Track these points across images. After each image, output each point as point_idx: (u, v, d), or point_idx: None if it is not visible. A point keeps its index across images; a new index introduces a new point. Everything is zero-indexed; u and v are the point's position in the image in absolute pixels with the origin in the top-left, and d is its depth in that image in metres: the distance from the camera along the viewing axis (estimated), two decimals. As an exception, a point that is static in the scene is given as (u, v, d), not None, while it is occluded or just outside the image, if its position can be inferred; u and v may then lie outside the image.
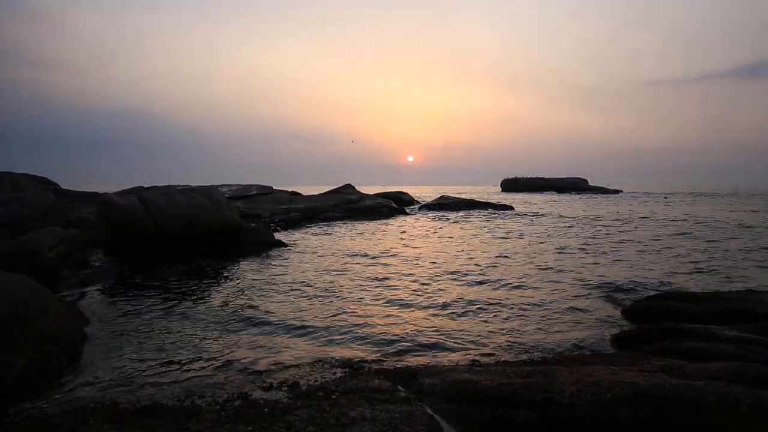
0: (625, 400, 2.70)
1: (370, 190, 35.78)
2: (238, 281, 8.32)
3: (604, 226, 19.24)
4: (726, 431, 2.32)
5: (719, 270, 9.32)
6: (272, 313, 6.25)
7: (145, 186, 21.30)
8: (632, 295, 7.19)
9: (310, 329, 5.52)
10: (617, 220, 21.95)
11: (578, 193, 60.32)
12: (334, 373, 3.78)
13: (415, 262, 10.57)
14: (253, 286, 7.86)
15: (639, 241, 13.95)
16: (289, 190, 29.68)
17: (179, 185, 12.77)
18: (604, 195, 57.51)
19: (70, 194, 18.04)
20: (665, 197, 47.82)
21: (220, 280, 8.50)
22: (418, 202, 30.41)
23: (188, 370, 4.26)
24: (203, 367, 4.33)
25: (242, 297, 7.17)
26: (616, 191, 64.47)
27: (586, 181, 69.50)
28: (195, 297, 7.18)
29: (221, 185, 24.98)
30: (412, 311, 6.40)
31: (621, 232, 16.92)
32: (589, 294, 7.37)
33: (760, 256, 10.92)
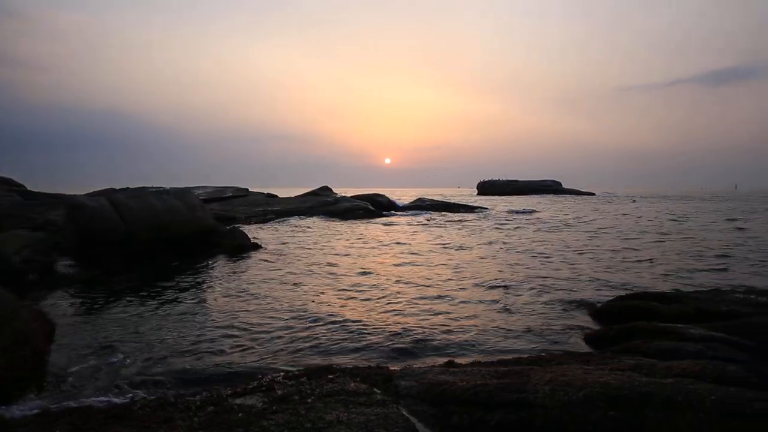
0: (596, 399, 2.75)
1: (348, 192, 35.71)
2: (211, 285, 8.20)
3: (575, 227, 19.61)
4: (692, 427, 2.39)
5: (682, 271, 9.59)
6: (245, 316, 6.17)
7: (117, 188, 20.80)
8: (605, 294, 7.33)
9: (285, 333, 5.47)
10: (589, 221, 22.41)
11: (553, 195, 61.40)
12: (310, 377, 3.75)
13: (391, 263, 10.58)
14: (226, 290, 7.76)
15: (608, 242, 14.27)
16: (266, 192, 29.41)
17: (152, 187, 12.50)
18: (578, 197, 58.71)
19: (38, 196, 17.47)
20: (633, 200, 49.15)
21: (193, 283, 8.36)
22: (395, 204, 30.46)
23: (155, 375, 4.17)
24: (172, 372, 4.24)
25: (214, 300, 7.07)
26: (590, 193, 65.89)
27: (560, 183, 70.83)
28: (165, 301, 7.04)
29: (196, 187, 24.62)
30: (388, 314, 6.40)
31: (591, 233, 17.27)
32: (563, 294, 7.49)
33: (715, 260, 11.29)
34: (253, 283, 8.23)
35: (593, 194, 65.44)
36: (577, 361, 4.14)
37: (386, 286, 8.16)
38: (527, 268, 9.98)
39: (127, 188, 13.07)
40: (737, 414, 2.41)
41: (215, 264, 10.33)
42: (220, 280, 8.63)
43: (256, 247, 12.33)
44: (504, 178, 71.56)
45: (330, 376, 3.74)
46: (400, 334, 5.47)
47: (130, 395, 3.79)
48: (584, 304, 6.87)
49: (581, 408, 2.73)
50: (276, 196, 28.34)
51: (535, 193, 64.38)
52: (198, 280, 8.72)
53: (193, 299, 7.19)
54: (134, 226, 10.39)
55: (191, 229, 11.44)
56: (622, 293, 7.08)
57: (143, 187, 12.22)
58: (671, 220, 23.00)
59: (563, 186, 70.34)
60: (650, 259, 10.95)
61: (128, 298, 7.17)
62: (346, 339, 5.28)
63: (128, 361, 4.58)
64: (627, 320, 5.69)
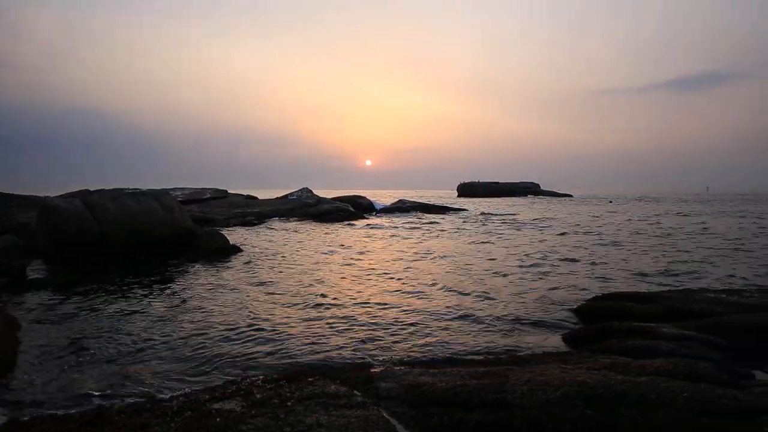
0: (573, 398, 2.79)
1: (329, 193, 35.59)
2: (188, 288, 8.08)
3: (552, 228, 19.90)
4: (666, 424, 2.45)
5: (654, 272, 9.80)
6: (223, 319, 6.10)
7: (92, 189, 20.33)
8: (582, 295, 7.45)
9: (264, 336, 5.42)
10: (567, 223, 22.76)
11: (531, 197, 62.22)
12: (290, 381, 3.72)
13: (372, 266, 10.58)
14: (204, 293, 7.65)
15: (587, 242, 14.51)
16: (245, 194, 29.11)
17: (128, 188, 12.26)
18: (556, 198, 59.61)
19: (9, 198, 16.97)
20: (610, 201, 50.15)
21: (169, 286, 8.22)
22: (375, 206, 30.48)
23: (131, 380, 4.09)
24: (148, 377, 4.17)
25: (191, 303, 6.97)
26: (567, 195, 66.96)
27: (538, 185, 71.84)
28: (141, 305, 6.91)
29: (174, 189, 24.24)
30: (370, 316, 6.39)
31: (568, 234, 17.55)
32: (541, 294, 7.59)
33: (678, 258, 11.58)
34: (227, 287, 8.12)
35: (571, 196, 66.52)
36: (555, 360, 4.19)
37: (363, 292, 8.16)
38: (504, 268, 10.08)
39: (103, 190, 12.79)
40: (708, 411, 2.47)
41: (191, 267, 10.17)
42: (194, 283, 8.49)
43: (235, 249, 12.20)
44: (484, 180, 72.25)
45: (310, 379, 3.72)
46: (380, 336, 5.48)
47: (103, 401, 3.70)
48: (562, 304, 6.97)
49: (559, 407, 2.77)
50: (256, 198, 28.07)
51: (514, 195, 65.16)
52: (172, 283, 8.57)
53: (165, 302, 7.06)
54: (109, 228, 10.19)
55: (168, 231, 11.26)
56: (598, 293, 7.21)
57: (119, 189, 11.96)
58: (646, 221, 23.52)
59: (542, 188, 71.36)
60: (624, 259, 11.18)
61: (100, 302, 7.01)
62: (327, 341, 5.26)
63: (99, 365, 4.48)
64: (603, 320, 5.80)
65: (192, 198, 23.65)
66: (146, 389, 3.94)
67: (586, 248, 13.47)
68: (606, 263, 10.75)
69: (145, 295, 7.50)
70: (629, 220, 24.46)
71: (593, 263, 10.75)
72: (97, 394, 3.84)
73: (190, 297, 7.39)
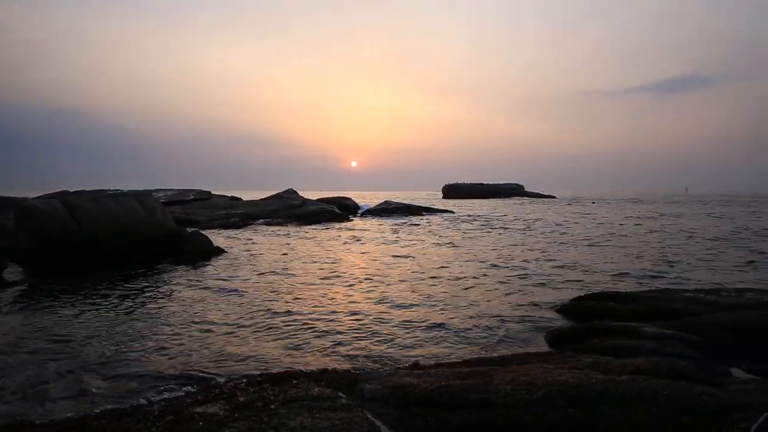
0: (556, 397, 2.82)
1: (314, 195, 35.46)
2: (169, 291, 7.97)
3: (536, 228, 20.09)
4: (646, 421, 2.48)
5: (636, 270, 9.95)
6: (206, 322, 6.03)
7: (72, 190, 19.97)
8: (564, 294, 7.53)
9: (248, 339, 5.37)
10: (551, 223, 22.99)
11: (515, 198, 62.75)
12: (273, 383, 3.69)
13: (358, 268, 10.56)
14: (186, 295, 7.56)
15: (571, 242, 14.68)
16: (229, 195, 28.84)
17: (110, 190, 12.07)
18: (539, 200, 60.21)
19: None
20: (593, 202, 50.83)
21: (150, 289, 8.11)
22: (361, 208, 30.45)
23: (112, 385, 4.02)
24: (129, 382, 4.10)
25: (173, 306, 6.89)
26: (550, 196, 67.67)
27: (522, 187, 72.47)
28: (120, 308, 6.81)
29: (156, 190, 23.92)
30: (353, 317, 6.37)
31: (552, 234, 17.73)
32: (524, 295, 7.65)
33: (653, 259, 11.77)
34: (207, 291, 8.00)
35: (554, 197, 67.22)
36: (538, 360, 4.23)
37: (350, 288, 8.15)
38: (488, 269, 10.15)
39: (83, 191, 12.55)
40: (688, 409, 2.51)
41: (173, 269, 10.05)
42: (175, 285, 8.38)
43: (218, 251, 12.08)
44: (469, 182, 72.60)
45: (294, 381, 3.69)
46: (364, 337, 5.47)
47: (81, 405, 3.63)
48: (545, 304, 7.04)
49: (541, 407, 2.79)
50: (240, 199, 27.83)
51: (498, 197, 65.62)
52: (152, 285, 8.46)
53: (143, 305, 6.97)
54: (90, 229, 10.01)
55: (151, 233, 11.11)
56: (581, 293, 7.29)
57: (100, 190, 11.77)
58: (632, 221, 23.87)
59: (525, 189, 71.99)
60: (611, 261, 11.33)
61: (77, 305, 6.88)
62: (311, 343, 5.24)
63: (76, 370, 4.39)
64: (586, 319, 5.87)
65: (175, 199, 23.37)
66: (123, 395, 3.87)
67: (568, 250, 13.62)
68: (586, 264, 10.89)
69: (122, 297, 7.39)
70: (609, 222, 24.80)
71: (575, 264, 10.88)
72: (70, 397, 3.77)
73: (174, 298, 7.29)
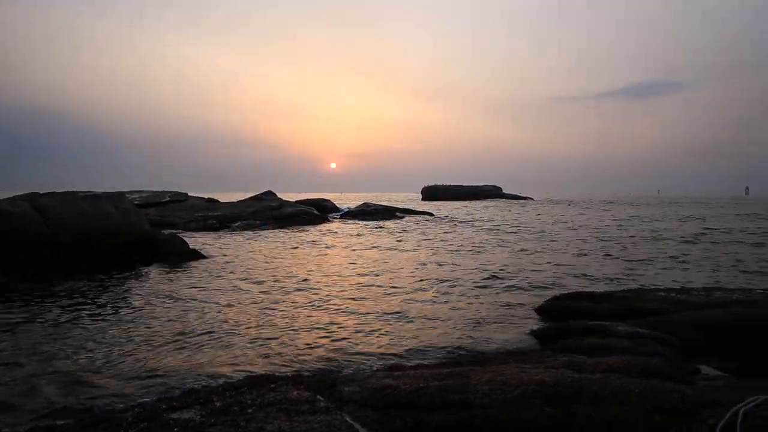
0: (532, 396, 2.86)
1: (293, 197, 35.23)
2: (143, 294, 7.81)
3: (511, 230, 20.34)
4: (619, 420, 2.54)
5: (613, 272, 10.17)
6: (180, 327, 5.93)
7: (42, 192, 19.38)
8: (540, 294, 7.64)
9: (224, 343, 5.31)
10: (525, 225, 23.31)
11: (493, 200, 63.40)
12: (251, 387, 3.65)
13: (339, 272, 10.54)
14: (161, 300, 7.41)
15: (544, 244, 14.91)
16: (206, 197, 28.45)
17: (82, 191, 11.76)
18: (517, 201, 60.97)
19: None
20: (569, 204, 51.78)
21: (123, 294, 7.93)
22: (340, 210, 30.36)
23: (83, 392, 3.93)
24: (101, 388, 4.01)
25: (146, 310, 6.75)
26: (528, 198, 68.58)
27: (500, 188, 73.22)
28: (90, 313, 6.64)
29: (130, 192, 23.44)
30: (332, 321, 6.35)
31: (529, 236, 17.98)
32: (502, 296, 7.74)
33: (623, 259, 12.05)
34: (181, 295, 7.83)
35: (532, 199, 68.14)
36: (516, 360, 4.28)
37: (329, 291, 8.12)
38: (466, 271, 10.23)
39: (54, 192, 12.20)
40: (659, 406, 2.58)
41: (147, 273, 9.86)
42: (147, 290, 8.19)
43: (195, 254, 11.89)
44: (447, 184, 72.99)
45: (272, 385, 3.66)
46: (344, 339, 5.46)
47: (50, 413, 3.53)
48: (522, 304, 7.13)
49: (518, 406, 2.83)
50: (217, 201, 27.48)
51: (476, 198, 66.15)
52: (130, 288, 8.29)
53: (119, 310, 6.81)
54: (61, 232, 9.76)
55: (125, 236, 10.88)
56: (557, 293, 7.41)
57: (72, 192, 11.46)
58: (607, 222, 24.35)
59: (503, 191, 72.77)
60: (585, 262, 11.54)
61: (44, 311, 6.68)
62: (290, 347, 5.20)
63: (41, 378, 4.26)
64: (562, 319, 5.98)
65: (150, 201, 22.95)
66: (95, 401, 3.78)
67: (545, 249, 13.83)
68: (563, 264, 11.07)
69: (97, 302, 7.22)
70: (585, 225, 25.26)
71: (553, 264, 11.05)
72: (39, 407, 3.66)
73: (147, 302, 7.16)
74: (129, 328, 5.89)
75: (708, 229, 20.41)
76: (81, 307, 6.93)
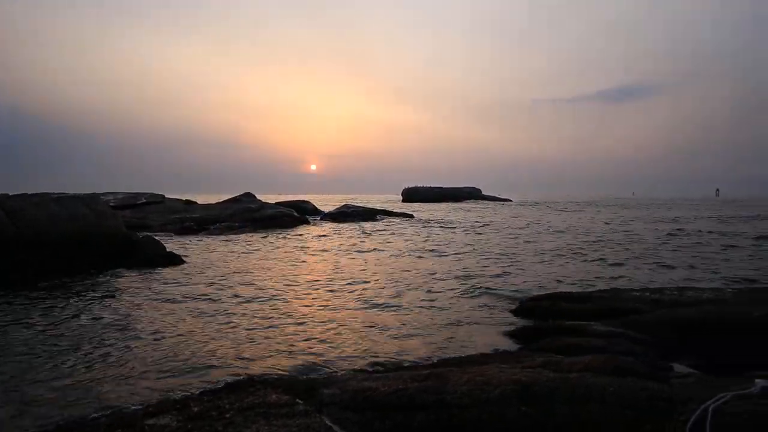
0: (510, 396, 2.89)
1: (273, 198, 34.94)
2: (117, 299, 7.65)
3: (490, 231, 20.54)
4: (593, 418, 2.59)
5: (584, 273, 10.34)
6: (155, 332, 5.82)
7: (11, 194, 18.82)
8: (518, 295, 7.72)
9: (201, 348, 5.23)
10: (504, 227, 23.56)
11: (473, 202, 63.90)
12: (229, 392, 3.61)
13: (318, 276, 10.49)
14: (135, 304, 7.27)
15: (522, 245, 15.10)
16: (184, 199, 28.03)
17: (55, 193, 11.46)
18: (496, 203, 61.59)
19: None
20: (548, 206, 52.54)
21: (96, 298, 7.75)
22: (320, 211, 30.23)
23: (54, 400, 3.83)
24: (74, 395, 3.92)
25: (121, 314, 6.62)
26: (507, 200, 69.33)
27: (480, 190, 73.84)
28: (62, 318, 6.48)
29: (105, 193, 22.95)
30: (310, 325, 6.31)
31: (508, 237, 18.18)
32: (480, 296, 7.80)
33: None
34: (156, 299, 7.69)
35: (510, 200, 68.90)
36: (495, 360, 4.32)
37: (300, 300, 8.08)
38: (446, 273, 10.29)
39: (24, 194, 11.85)
40: (632, 404, 2.63)
41: (122, 275, 9.67)
42: (121, 293, 8.02)
43: (171, 257, 11.68)
44: (427, 185, 73.28)
45: (250, 389, 3.62)
46: (323, 342, 5.44)
47: (21, 422, 3.44)
48: (500, 305, 7.20)
49: (497, 406, 2.86)
50: (195, 203, 27.09)
51: (456, 200, 66.57)
52: (104, 292, 8.12)
53: (90, 314, 6.66)
54: (31, 234, 9.48)
55: (99, 239, 10.64)
56: (535, 294, 7.51)
57: (44, 193, 11.16)
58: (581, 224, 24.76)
59: (483, 192, 73.41)
60: (561, 264, 11.72)
61: (9, 317, 6.48)
62: (268, 350, 5.15)
63: (13, 386, 4.15)
64: (541, 319, 6.07)
65: (126, 203, 22.51)
66: (69, 409, 3.69)
67: (520, 251, 14.00)
68: (540, 265, 11.22)
69: (70, 306, 7.04)
70: (562, 227, 25.65)
71: (530, 265, 11.19)
72: (8, 418, 3.55)
73: (122, 306, 7.02)
74: (102, 333, 5.76)
75: (680, 229, 20.92)
76: (55, 312, 6.75)
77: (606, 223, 25.43)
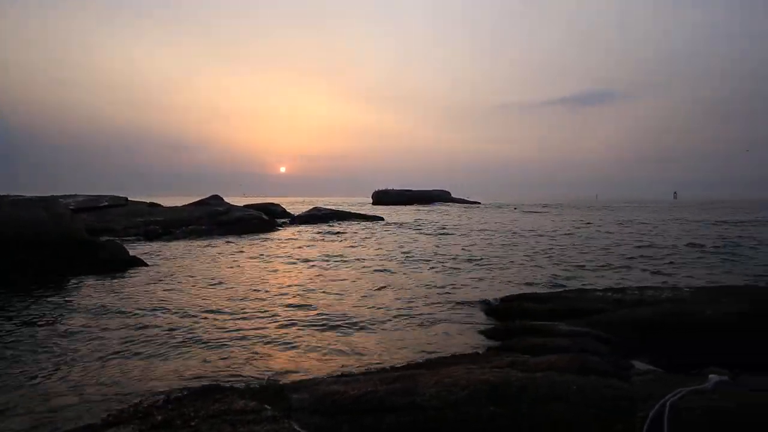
0: (479, 396, 2.92)
1: (241, 201, 34.39)
2: (76, 305, 7.37)
3: (459, 233, 20.79)
4: (558, 416, 2.65)
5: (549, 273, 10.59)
6: (116, 340, 5.64)
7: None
8: (487, 296, 7.82)
9: (165, 356, 5.10)
10: (473, 228, 23.89)
11: (442, 204, 64.52)
12: (195, 399, 3.52)
13: (286, 281, 10.39)
14: (95, 311, 7.02)
15: (491, 247, 15.33)
16: (148, 201, 27.28)
17: (10, 195, 11.01)
18: (465, 205, 62.38)
19: None
20: (515, 208, 53.50)
21: (53, 304, 7.45)
22: (290, 214, 29.90)
23: (6, 409, 3.67)
24: (31, 406, 3.76)
25: (78, 322, 6.40)
26: (475, 202, 70.31)
27: (449, 193, 74.63)
28: (13, 324, 6.19)
29: (64, 196, 22.12)
30: (278, 331, 6.22)
31: (477, 239, 18.44)
32: (448, 298, 7.88)
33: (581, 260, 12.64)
34: (122, 306, 7.46)
35: (479, 203, 69.87)
36: (464, 361, 4.36)
37: (267, 304, 7.99)
38: (415, 275, 10.36)
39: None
40: (595, 402, 2.70)
41: (85, 281, 9.33)
42: (80, 302, 7.69)
43: (134, 261, 11.35)
44: (398, 188, 73.56)
45: (216, 396, 3.55)
46: (291, 346, 5.39)
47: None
48: (470, 306, 7.29)
49: (465, 406, 2.89)
50: (160, 206, 26.38)
51: (426, 202, 67.06)
52: (62, 298, 7.81)
53: (47, 321, 6.42)
54: (-16, 240, 9.06)
55: (57, 242, 10.24)
56: (503, 295, 7.63)
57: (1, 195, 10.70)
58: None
59: (452, 195, 74.21)
60: (524, 264, 11.94)
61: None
62: (232, 356, 5.06)
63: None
64: (509, 320, 6.17)
65: (86, 206, 21.73)
66: (25, 419, 3.54)
67: (489, 253, 14.21)
68: (508, 267, 11.42)
69: (22, 312, 6.75)
70: (530, 228, 26.17)
71: (499, 267, 11.37)
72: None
73: (80, 313, 6.77)
74: (59, 342, 5.54)
75: (641, 229, 21.64)
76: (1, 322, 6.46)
77: (575, 225, 26.09)
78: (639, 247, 15.49)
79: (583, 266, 11.48)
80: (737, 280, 9.32)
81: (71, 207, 16.55)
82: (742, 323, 4.91)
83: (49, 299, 7.76)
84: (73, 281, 9.34)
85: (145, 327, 6.13)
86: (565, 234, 20.64)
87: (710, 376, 2.94)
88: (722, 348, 4.64)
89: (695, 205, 62.06)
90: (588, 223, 27.65)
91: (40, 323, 6.33)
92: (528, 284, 9.13)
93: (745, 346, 4.63)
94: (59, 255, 10.15)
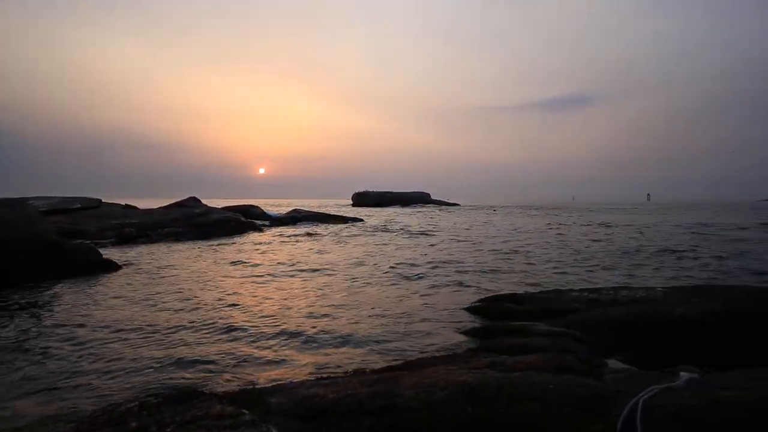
0: (457, 397, 2.94)
1: (219, 203, 33.94)
2: (45, 311, 7.15)
3: (439, 235, 20.92)
4: (534, 415, 2.68)
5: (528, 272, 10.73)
6: (89, 344, 5.51)
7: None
8: (466, 297, 7.89)
9: (139, 361, 4.99)
10: (452, 231, 24.06)
11: (422, 206, 64.83)
12: (171, 405, 3.46)
13: (263, 284, 10.30)
14: (64, 314, 6.84)
15: (470, 248, 15.46)
16: (123, 203, 26.72)
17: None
18: (444, 207, 62.80)
19: None
20: (494, 210, 54.15)
21: (21, 310, 7.22)
22: (269, 216, 29.64)
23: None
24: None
25: (48, 325, 6.23)
26: (455, 204, 70.85)
27: (428, 195, 75.05)
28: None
29: (35, 198, 21.49)
30: (254, 335, 6.15)
31: (456, 241, 18.57)
32: (428, 300, 7.91)
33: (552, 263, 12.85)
34: (88, 311, 7.30)
35: (458, 205, 70.45)
36: (443, 362, 4.38)
37: (252, 302, 7.92)
38: (395, 277, 10.37)
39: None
40: (570, 401, 2.75)
41: (57, 286, 9.08)
42: (57, 305, 7.52)
43: (108, 264, 11.10)
44: (377, 190, 73.66)
45: (194, 401, 3.49)
46: (270, 348, 5.33)
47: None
48: (449, 308, 7.33)
49: (444, 407, 2.90)
50: (136, 208, 25.87)
51: (406, 204, 67.33)
52: (33, 304, 7.59)
53: (16, 327, 6.22)
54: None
55: (27, 246, 9.95)
56: (482, 296, 7.70)
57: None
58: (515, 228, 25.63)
59: (432, 197, 74.65)
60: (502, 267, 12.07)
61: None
62: (209, 361, 4.99)
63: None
64: (489, 320, 6.22)
65: (58, 208, 21.15)
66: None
67: (467, 256, 14.33)
68: (487, 268, 11.52)
69: (-4, 320, 6.55)
70: (509, 230, 26.48)
71: (478, 268, 11.47)
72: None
73: (49, 319, 6.59)
74: (30, 347, 5.39)
75: (614, 230, 22.10)
76: (-26, 325, 6.25)
77: (554, 226, 26.48)
78: (618, 248, 15.81)
79: (564, 266, 11.66)
80: (707, 280, 9.59)
81: (42, 209, 16.12)
82: (713, 323, 5.04)
83: (16, 303, 7.52)
84: (45, 284, 9.08)
85: (115, 330, 5.98)
86: (544, 234, 20.96)
87: (681, 374, 3.01)
88: (693, 347, 4.76)
89: (668, 207, 63.65)
90: (560, 225, 28.13)
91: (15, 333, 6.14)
92: (506, 282, 9.23)
93: (716, 345, 4.75)
94: (29, 258, 9.86)
